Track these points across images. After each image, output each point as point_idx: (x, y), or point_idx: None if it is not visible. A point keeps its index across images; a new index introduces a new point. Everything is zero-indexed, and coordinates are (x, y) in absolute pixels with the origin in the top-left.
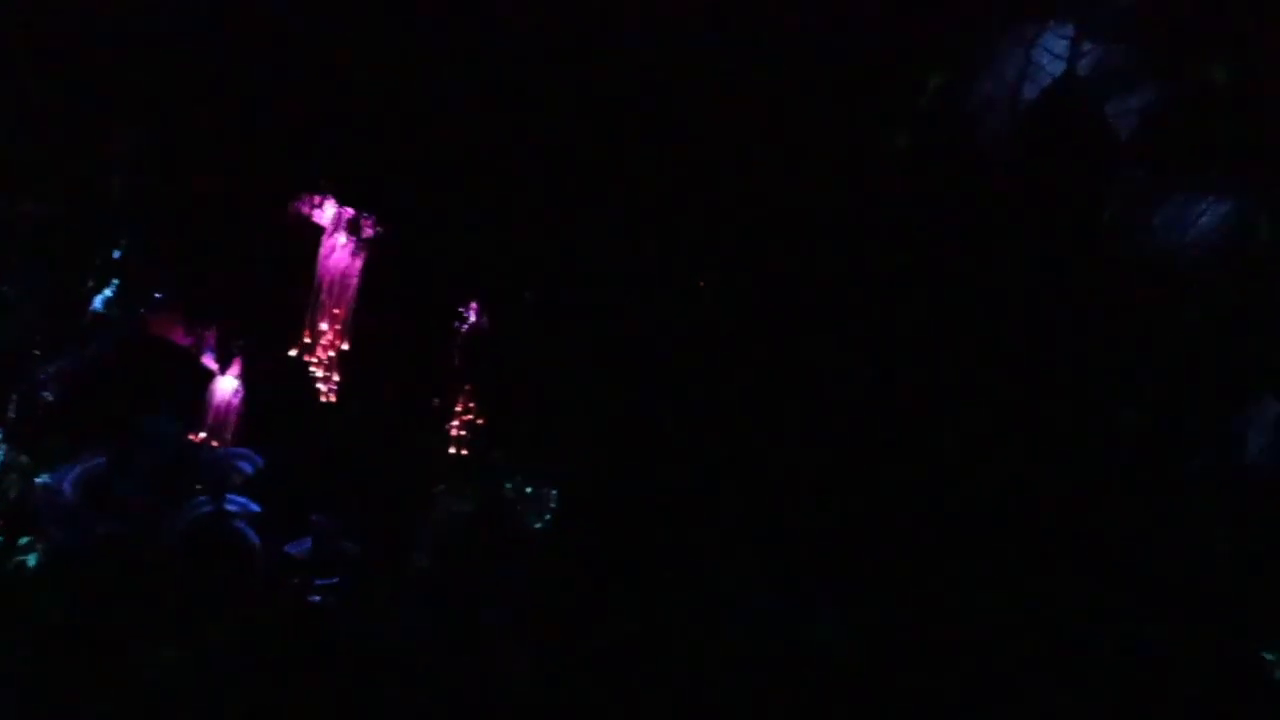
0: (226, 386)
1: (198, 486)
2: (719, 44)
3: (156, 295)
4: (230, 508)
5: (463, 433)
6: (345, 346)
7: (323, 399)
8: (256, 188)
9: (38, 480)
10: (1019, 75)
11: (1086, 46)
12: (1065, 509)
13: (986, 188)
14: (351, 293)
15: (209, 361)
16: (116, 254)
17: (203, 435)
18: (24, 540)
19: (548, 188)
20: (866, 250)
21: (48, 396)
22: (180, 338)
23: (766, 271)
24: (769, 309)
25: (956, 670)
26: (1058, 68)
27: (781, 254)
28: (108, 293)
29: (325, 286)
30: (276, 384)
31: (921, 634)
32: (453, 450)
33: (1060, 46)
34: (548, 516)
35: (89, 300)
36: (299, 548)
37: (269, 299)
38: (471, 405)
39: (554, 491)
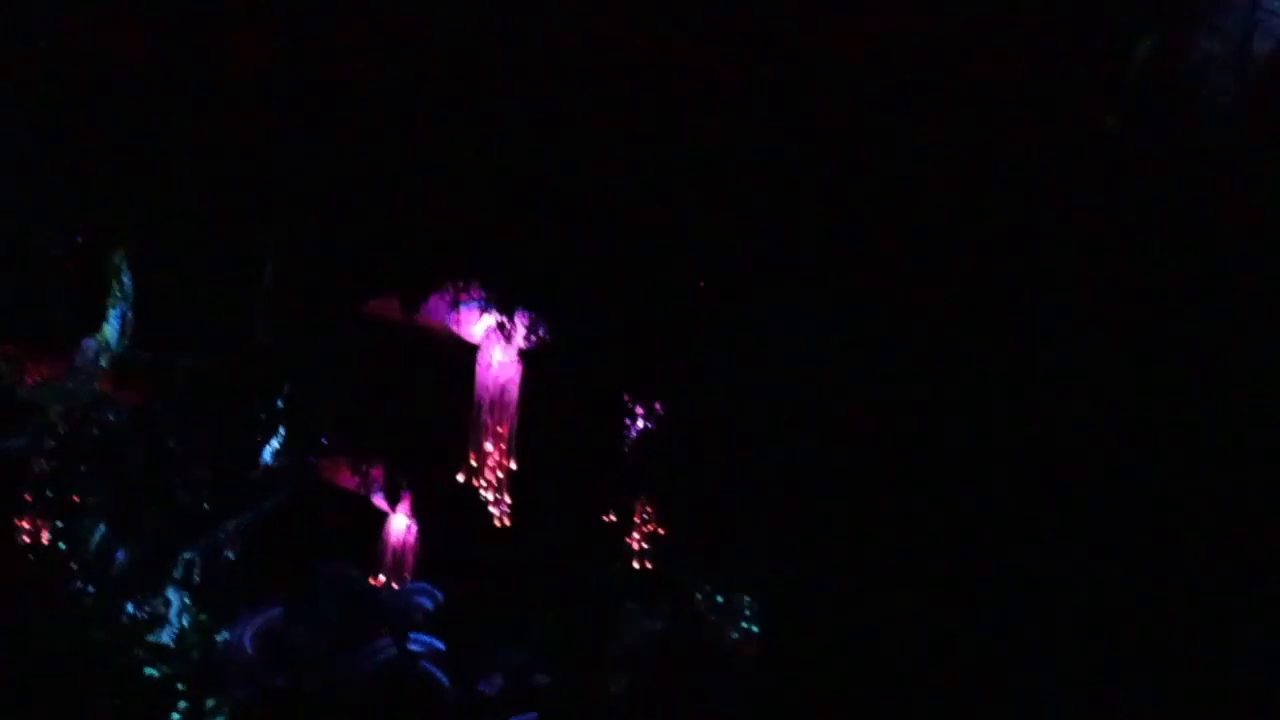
0: (400, 525)
1: (379, 629)
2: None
3: (323, 440)
4: (415, 648)
5: (644, 545)
6: (513, 465)
7: (496, 523)
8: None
9: (218, 638)
10: (1246, 29)
11: None
12: None
13: (1211, 170)
14: (513, 408)
15: (379, 502)
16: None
17: (382, 578)
18: (211, 703)
19: (719, 273)
20: (1076, 254)
21: (230, 556)
22: (348, 481)
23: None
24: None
25: None
26: None
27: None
28: (275, 444)
29: (485, 405)
30: (448, 514)
31: None
32: (636, 565)
33: None
34: (744, 625)
35: (259, 452)
36: (491, 685)
37: (430, 427)
38: (649, 514)
39: (747, 598)
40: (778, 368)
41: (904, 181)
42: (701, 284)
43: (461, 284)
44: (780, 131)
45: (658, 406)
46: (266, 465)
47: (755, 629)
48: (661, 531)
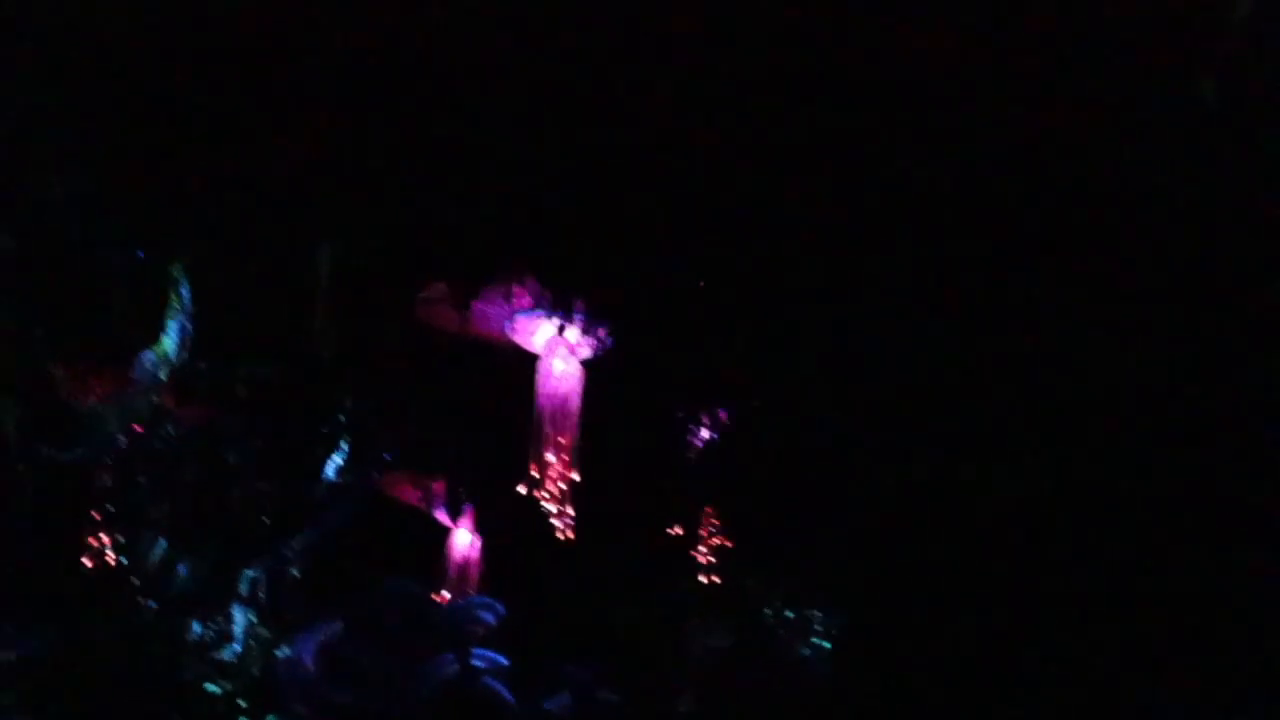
0: (463, 540)
1: (441, 645)
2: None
3: (386, 456)
4: (477, 663)
5: (710, 559)
6: (575, 476)
7: (559, 535)
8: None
9: (278, 653)
10: None
11: None
12: None
13: None
14: (575, 418)
15: (442, 517)
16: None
17: (445, 594)
18: (272, 719)
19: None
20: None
21: (295, 573)
22: (410, 496)
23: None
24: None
25: None
26: None
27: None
28: (337, 459)
29: (547, 415)
30: (510, 527)
31: None
32: (702, 579)
33: None
34: (814, 641)
35: (322, 467)
36: (557, 703)
37: (490, 439)
38: (715, 526)
39: (818, 613)
40: (854, 373)
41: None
42: (774, 287)
43: (517, 278)
44: (864, 123)
45: (723, 415)
46: (330, 481)
47: (827, 645)
48: (728, 544)
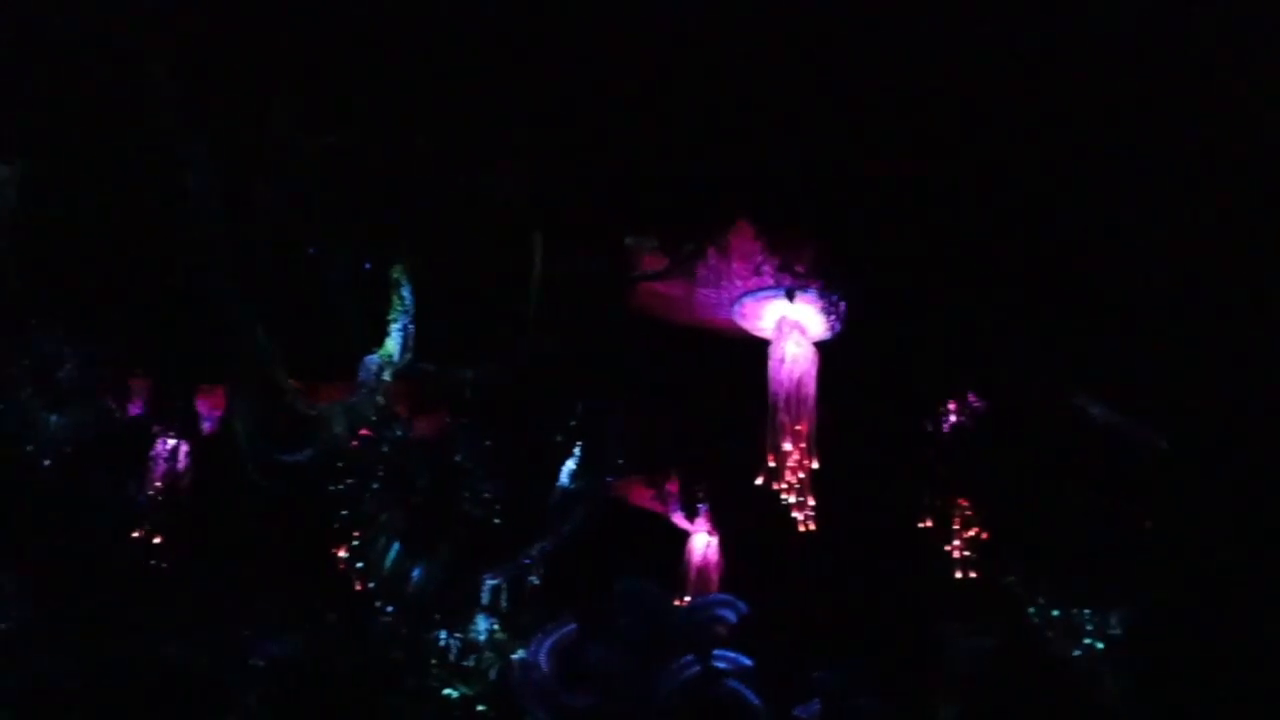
0: (700, 543)
1: (681, 646)
2: None
3: (619, 460)
4: (719, 665)
5: (967, 553)
6: (815, 465)
7: (800, 529)
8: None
9: (514, 656)
10: None
11: None
12: None
13: None
14: (811, 403)
15: (679, 520)
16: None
17: (687, 599)
18: None
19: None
20: None
21: (534, 581)
22: (644, 499)
23: None
24: None
25: None
26: None
27: None
28: (570, 465)
29: (781, 402)
30: (748, 523)
31: None
32: (959, 575)
33: None
34: (1087, 642)
35: (555, 472)
36: (807, 710)
37: (723, 431)
38: (970, 517)
39: (1087, 612)
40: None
41: None
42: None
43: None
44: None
45: (972, 398)
46: (564, 487)
47: (1100, 646)
48: (985, 536)
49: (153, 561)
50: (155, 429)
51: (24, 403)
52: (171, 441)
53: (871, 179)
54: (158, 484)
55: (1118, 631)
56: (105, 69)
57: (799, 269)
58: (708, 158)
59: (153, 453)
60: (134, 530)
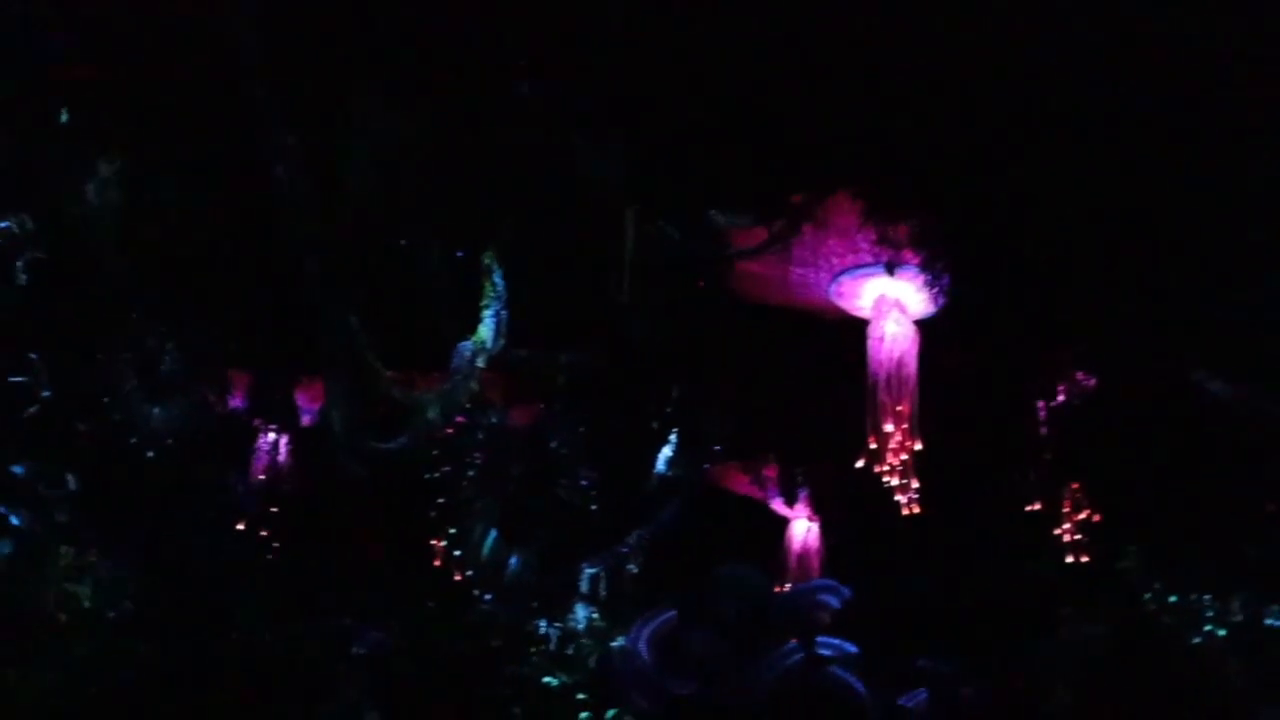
0: (800, 529)
1: (783, 632)
2: None
3: (716, 447)
4: (823, 651)
5: (1077, 536)
6: (918, 446)
7: (904, 512)
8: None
9: (613, 644)
10: None
11: None
12: None
13: None
14: (912, 383)
15: (778, 507)
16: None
17: (789, 586)
18: (611, 713)
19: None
20: None
21: (633, 569)
22: (742, 485)
23: None
24: None
25: None
26: None
27: None
28: (667, 451)
29: (881, 382)
30: (850, 506)
31: None
32: (1069, 559)
33: None
34: (1208, 629)
35: (651, 461)
36: (913, 699)
37: (822, 414)
38: (1081, 499)
39: (1207, 597)
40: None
41: None
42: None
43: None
44: None
45: (1081, 375)
46: (661, 475)
47: (1222, 633)
48: (1097, 519)
49: (255, 553)
50: (256, 422)
51: (128, 396)
52: (273, 434)
53: (976, 147)
54: (260, 476)
55: (1240, 618)
56: (201, 61)
57: (899, 240)
58: (803, 128)
59: (255, 445)
60: (237, 522)
